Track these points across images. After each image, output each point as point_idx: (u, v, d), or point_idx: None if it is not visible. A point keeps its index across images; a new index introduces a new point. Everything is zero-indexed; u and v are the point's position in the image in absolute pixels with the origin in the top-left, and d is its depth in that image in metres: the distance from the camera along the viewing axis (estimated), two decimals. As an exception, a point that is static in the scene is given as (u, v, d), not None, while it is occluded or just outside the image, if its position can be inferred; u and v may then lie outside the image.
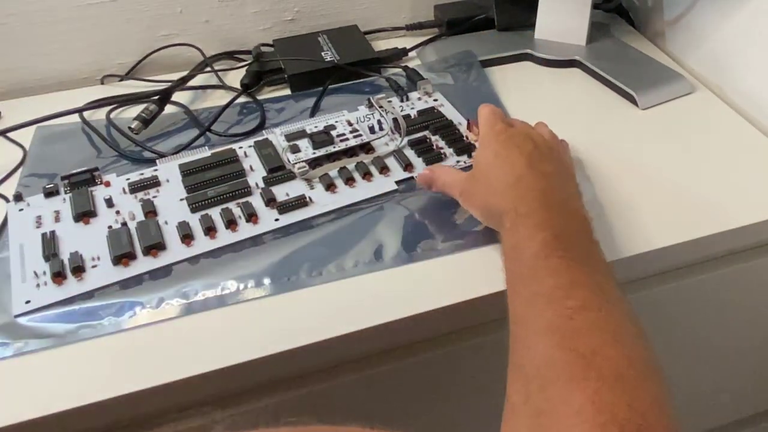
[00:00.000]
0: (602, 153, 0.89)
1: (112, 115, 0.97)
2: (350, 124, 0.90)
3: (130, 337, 0.67)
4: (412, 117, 0.93)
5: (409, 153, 0.87)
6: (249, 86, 1.04)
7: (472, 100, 0.91)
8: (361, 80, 1.05)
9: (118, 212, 0.80)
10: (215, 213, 0.79)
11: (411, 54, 1.14)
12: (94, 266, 0.74)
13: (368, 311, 0.68)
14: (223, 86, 1.06)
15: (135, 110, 0.95)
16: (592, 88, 1.04)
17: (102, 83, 1.09)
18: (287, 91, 1.05)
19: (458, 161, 0.86)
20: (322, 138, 0.87)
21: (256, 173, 0.85)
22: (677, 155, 0.89)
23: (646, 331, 0.56)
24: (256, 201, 0.81)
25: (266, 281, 0.72)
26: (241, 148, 0.89)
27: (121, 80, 1.09)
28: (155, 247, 0.75)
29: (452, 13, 1.20)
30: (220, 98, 1.02)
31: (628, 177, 0.85)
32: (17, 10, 1.01)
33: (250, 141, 0.90)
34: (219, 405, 0.68)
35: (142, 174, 0.86)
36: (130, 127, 0.93)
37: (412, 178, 0.84)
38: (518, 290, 0.59)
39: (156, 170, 0.86)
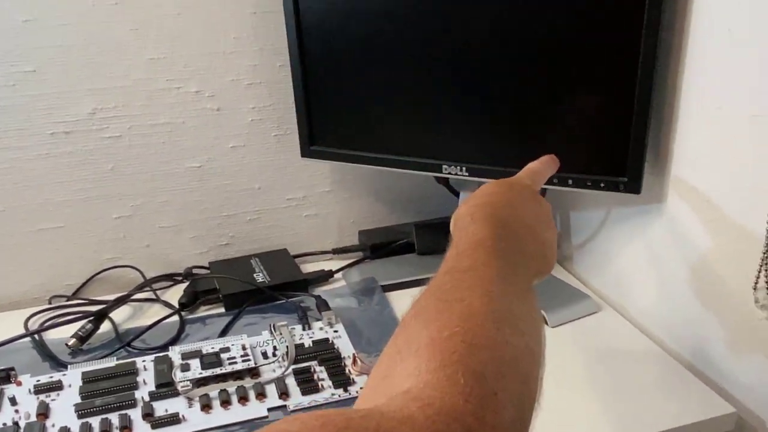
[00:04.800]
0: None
1: (56, 330, 1.09)
2: (244, 348, 1.00)
3: None
4: (306, 346, 1.02)
5: (291, 381, 0.95)
6: (186, 305, 1.16)
7: (374, 323, 1.00)
8: (286, 301, 1.16)
9: (17, 411, 0.90)
10: (96, 422, 0.88)
11: (337, 276, 1.27)
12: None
13: None
14: (158, 302, 1.20)
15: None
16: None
17: (50, 303, 1.21)
18: (222, 309, 1.16)
19: (333, 394, 0.93)
20: (211, 359, 0.97)
21: (147, 387, 0.94)
22: (584, 369, 0.97)
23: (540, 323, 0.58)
24: (136, 414, 0.89)
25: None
26: (144, 361, 0.99)
27: (67, 300, 1.22)
28: (27, 451, 0.84)
29: (375, 238, 1.34)
30: (156, 315, 1.14)
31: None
32: (-25, 235, 1.17)
33: (153, 356, 1.00)
34: None
35: (51, 377, 0.96)
36: (67, 344, 1.04)
37: (284, 406, 0.91)
38: (439, 269, 0.60)
39: (64, 374, 0.96)
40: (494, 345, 0.49)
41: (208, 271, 1.26)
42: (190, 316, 1.15)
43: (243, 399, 0.91)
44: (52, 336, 1.08)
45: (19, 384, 0.95)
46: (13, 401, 0.92)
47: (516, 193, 0.73)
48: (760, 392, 0.88)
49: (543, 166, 0.80)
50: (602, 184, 1.00)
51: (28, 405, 0.91)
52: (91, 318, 1.09)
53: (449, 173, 1.12)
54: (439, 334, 0.48)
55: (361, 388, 0.93)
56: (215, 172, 1.26)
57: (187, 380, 0.93)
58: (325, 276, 1.25)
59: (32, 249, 1.20)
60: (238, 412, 0.90)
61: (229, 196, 1.29)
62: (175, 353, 1.00)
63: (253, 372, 0.96)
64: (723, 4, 0.84)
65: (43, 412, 0.89)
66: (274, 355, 1.00)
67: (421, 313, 0.53)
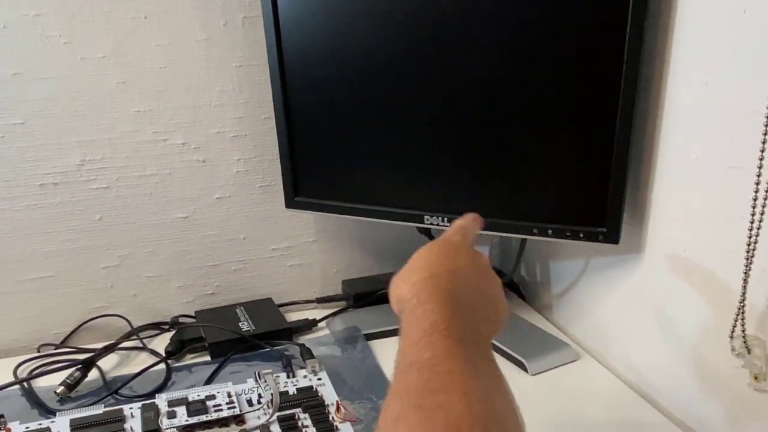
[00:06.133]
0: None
1: (44, 378, 1.11)
2: (229, 396, 1.01)
3: None
4: (290, 393, 1.03)
5: (275, 428, 0.96)
6: (172, 353, 1.18)
7: (357, 371, 1.02)
8: (270, 349, 1.17)
9: (6, 458, 0.91)
10: (83, 470, 0.89)
11: (321, 324, 1.29)
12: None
13: None
14: (145, 350, 1.21)
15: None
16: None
17: (38, 351, 1.22)
18: (208, 358, 1.18)
19: (317, 442, 0.95)
20: (197, 407, 0.98)
21: (133, 434, 0.96)
22: (563, 417, 0.99)
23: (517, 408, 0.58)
24: (123, 460, 0.91)
25: None
26: (131, 408, 1.00)
27: (56, 348, 1.23)
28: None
29: (358, 287, 1.36)
30: (143, 363, 1.15)
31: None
32: (-34, 280, 1.19)
33: (140, 403, 1.01)
34: None
35: (40, 424, 0.96)
36: (55, 392, 1.06)
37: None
38: (398, 362, 0.59)
39: (53, 422, 0.97)
40: None
41: (194, 320, 1.28)
42: (177, 364, 1.16)
43: (228, 446, 0.93)
44: (40, 384, 1.10)
45: (9, 431, 0.96)
46: (1, 448, 0.93)
47: (452, 255, 0.72)
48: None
49: (468, 222, 0.80)
50: (581, 235, 1.03)
51: (17, 451, 0.92)
52: (79, 366, 1.10)
53: (431, 224, 1.14)
54: None
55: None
56: (201, 222, 1.29)
57: (174, 427, 0.94)
58: (309, 325, 1.27)
59: (21, 298, 1.22)
60: (223, 460, 0.91)
61: (215, 246, 1.31)
62: (161, 401, 1.01)
63: (239, 419, 0.97)
64: (699, 58, 0.87)
65: (31, 459, 0.90)
66: (259, 402, 1.01)
67: (399, 423, 0.51)
